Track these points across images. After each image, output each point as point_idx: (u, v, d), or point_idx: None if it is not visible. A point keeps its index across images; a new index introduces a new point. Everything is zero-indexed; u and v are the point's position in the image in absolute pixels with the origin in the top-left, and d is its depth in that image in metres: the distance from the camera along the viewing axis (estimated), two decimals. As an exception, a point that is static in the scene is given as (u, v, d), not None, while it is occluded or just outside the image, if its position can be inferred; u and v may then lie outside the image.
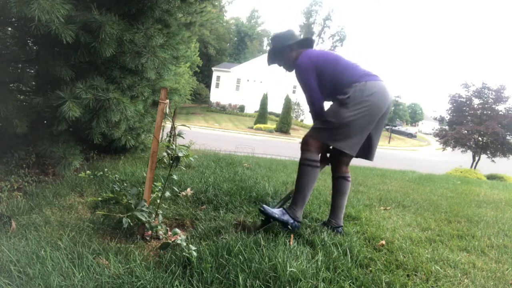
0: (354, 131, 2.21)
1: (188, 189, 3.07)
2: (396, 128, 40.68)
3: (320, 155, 2.37)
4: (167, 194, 2.47)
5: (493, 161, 16.09)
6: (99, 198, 2.53)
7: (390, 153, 25.38)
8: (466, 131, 16.45)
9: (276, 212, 2.23)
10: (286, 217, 2.23)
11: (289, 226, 2.23)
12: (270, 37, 2.54)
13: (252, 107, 35.23)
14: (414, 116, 52.78)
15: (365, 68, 2.34)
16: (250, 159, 5.93)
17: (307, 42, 2.49)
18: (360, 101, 2.18)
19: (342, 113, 2.19)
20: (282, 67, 2.56)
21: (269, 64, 2.62)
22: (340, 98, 2.22)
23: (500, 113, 16.26)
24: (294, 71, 2.43)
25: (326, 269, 1.79)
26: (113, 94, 2.76)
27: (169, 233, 2.14)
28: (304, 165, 2.27)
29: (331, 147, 2.39)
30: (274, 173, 4.43)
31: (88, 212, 2.53)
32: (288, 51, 2.44)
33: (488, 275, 1.94)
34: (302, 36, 2.56)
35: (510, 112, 16.09)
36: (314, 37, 53.66)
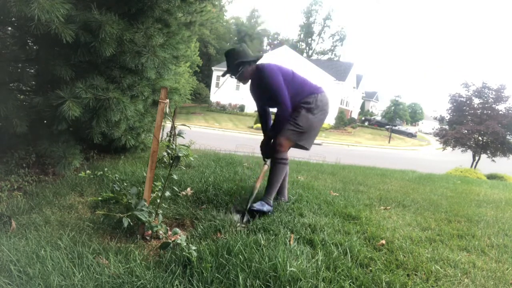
0: (314, 132, 2.87)
1: (188, 189, 3.07)
2: (396, 127, 40.52)
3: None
4: (167, 193, 2.47)
5: (493, 160, 16.05)
6: (99, 198, 2.53)
7: (390, 152, 25.37)
8: (466, 131, 16.41)
9: (260, 205, 2.62)
10: (266, 208, 2.63)
11: (269, 213, 2.63)
12: (226, 52, 2.81)
13: (252, 107, 35.16)
14: (414, 116, 52.65)
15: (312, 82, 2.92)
16: (250, 159, 5.92)
17: (259, 59, 2.83)
18: (321, 110, 2.81)
19: (310, 119, 2.77)
20: (236, 79, 2.83)
21: (224, 74, 2.84)
22: (307, 107, 2.76)
23: (500, 112, 16.21)
24: (253, 79, 2.81)
25: (326, 269, 1.79)
26: (113, 93, 2.76)
27: (169, 232, 2.14)
28: (281, 164, 2.75)
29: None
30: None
31: (88, 211, 2.53)
32: (247, 66, 2.75)
33: (488, 274, 1.94)
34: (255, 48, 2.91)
35: (510, 111, 16.04)
36: (314, 37, 53.72)
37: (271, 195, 2.74)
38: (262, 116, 3.06)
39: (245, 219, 2.50)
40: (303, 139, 2.80)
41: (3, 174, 2.86)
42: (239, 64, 2.71)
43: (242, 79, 2.81)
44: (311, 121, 2.77)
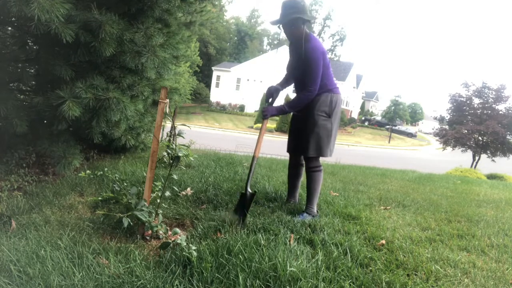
0: (334, 136, 2.77)
1: (188, 189, 3.07)
2: (396, 127, 40.55)
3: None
4: (167, 193, 2.47)
5: (493, 160, 16.07)
6: (99, 198, 2.53)
7: (390, 152, 25.38)
8: (466, 131, 16.42)
9: (304, 216, 2.61)
10: (311, 218, 2.58)
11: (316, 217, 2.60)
12: (285, 1, 2.56)
13: (252, 107, 35.20)
14: (414, 116, 52.57)
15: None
16: (250, 159, 5.91)
17: (314, 18, 2.63)
18: (335, 112, 2.71)
19: (328, 126, 2.68)
20: (282, 31, 2.66)
21: (274, 23, 2.63)
22: (326, 111, 2.66)
23: (500, 112, 16.24)
24: (300, 47, 2.59)
25: (326, 269, 1.79)
26: (113, 93, 2.75)
27: (169, 232, 2.14)
28: (315, 172, 2.72)
29: None
30: (274, 173, 4.43)
31: (88, 211, 2.53)
32: (301, 23, 2.56)
33: (488, 274, 1.94)
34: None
35: (510, 111, 16.06)
36: (314, 37, 53.67)
37: (312, 204, 2.72)
38: (284, 82, 2.91)
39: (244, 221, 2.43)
40: (327, 148, 2.70)
41: (3, 174, 2.86)
42: (296, 19, 2.52)
43: (290, 35, 2.64)
44: (329, 127, 2.68)
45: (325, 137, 2.67)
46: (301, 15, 2.52)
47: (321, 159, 2.82)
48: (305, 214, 2.64)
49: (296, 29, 2.58)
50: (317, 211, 2.76)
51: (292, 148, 2.88)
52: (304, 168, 2.91)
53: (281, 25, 2.63)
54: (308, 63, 2.57)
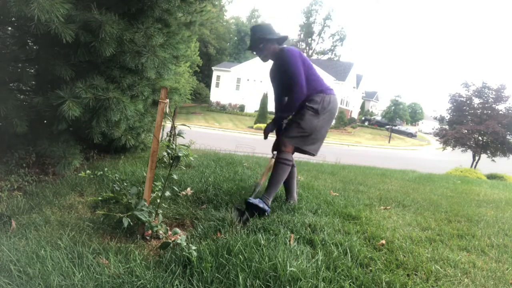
0: (320, 135, 2.78)
1: (188, 189, 3.07)
2: (396, 127, 40.51)
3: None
4: (167, 193, 2.47)
5: (493, 160, 16.06)
6: (99, 198, 2.53)
7: (390, 152, 25.37)
8: (466, 131, 16.42)
9: (258, 201, 2.55)
10: (262, 205, 2.54)
11: (266, 214, 2.55)
12: (251, 27, 2.85)
13: (252, 107, 35.19)
14: (414, 116, 52.47)
15: (326, 82, 2.86)
16: (250, 159, 5.92)
17: (283, 40, 2.81)
18: (326, 111, 2.72)
19: (314, 122, 2.70)
20: (257, 55, 2.85)
21: (247, 49, 2.95)
22: (313, 107, 2.69)
23: (500, 112, 16.23)
24: (274, 60, 2.82)
25: (326, 269, 1.79)
26: (113, 93, 2.76)
27: (169, 232, 2.14)
28: (283, 164, 2.69)
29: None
30: (274, 173, 4.43)
31: (88, 211, 2.53)
32: (270, 44, 2.76)
33: (488, 274, 1.94)
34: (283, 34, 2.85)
35: (510, 111, 16.05)
36: (314, 37, 53.69)
37: (270, 195, 2.66)
38: (278, 105, 2.98)
39: (244, 217, 2.47)
40: (308, 144, 2.74)
41: (3, 174, 2.86)
42: (260, 40, 2.72)
43: (261, 56, 2.80)
44: (315, 124, 2.70)
45: (307, 131, 2.69)
46: (265, 35, 2.71)
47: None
48: (260, 200, 2.57)
49: (266, 49, 2.76)
50: (269, 208, 2.61)
51: (275, 146, 2.90)
52: (295, 168, 2.98)
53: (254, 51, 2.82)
54: (287, 67, 2.68)
